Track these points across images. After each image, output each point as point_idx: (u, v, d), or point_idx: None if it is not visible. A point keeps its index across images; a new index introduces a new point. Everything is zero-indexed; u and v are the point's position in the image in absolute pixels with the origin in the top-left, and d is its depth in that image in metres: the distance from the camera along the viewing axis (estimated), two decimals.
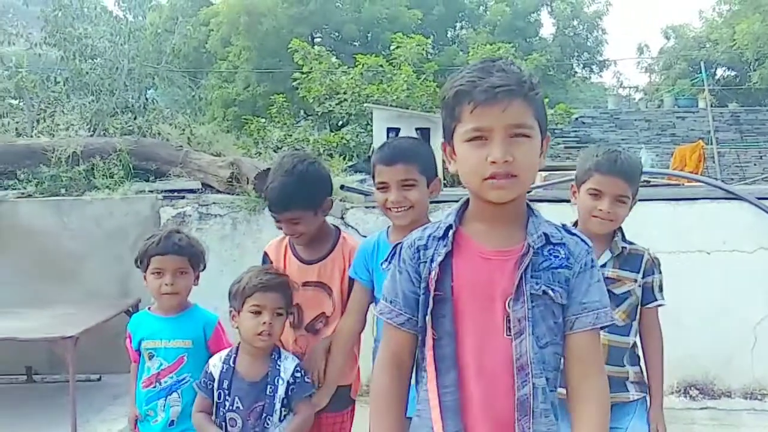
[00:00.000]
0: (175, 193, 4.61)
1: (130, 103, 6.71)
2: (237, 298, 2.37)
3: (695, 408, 4.33)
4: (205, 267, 2.76)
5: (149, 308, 2.79)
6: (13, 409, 4.16)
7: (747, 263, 4.36)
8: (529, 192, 5.29)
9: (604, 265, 2.34)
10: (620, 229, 2.43)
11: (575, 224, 2.39)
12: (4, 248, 4.70)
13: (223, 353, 2.43)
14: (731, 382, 4.43)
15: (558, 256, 1.55)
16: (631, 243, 2.44)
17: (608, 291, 2.26)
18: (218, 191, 4.63)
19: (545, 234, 1.56)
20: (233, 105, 19.81)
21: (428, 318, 1.55)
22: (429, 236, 1.61)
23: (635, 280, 2.39)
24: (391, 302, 1.63)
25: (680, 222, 4.38)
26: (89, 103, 6.35)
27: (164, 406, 2.62)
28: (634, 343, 2.46)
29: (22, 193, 4.72)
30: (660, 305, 2.44)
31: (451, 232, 1.57)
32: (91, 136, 5.56)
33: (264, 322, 2.29)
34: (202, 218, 4.54)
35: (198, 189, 4.68)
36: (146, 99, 7.29)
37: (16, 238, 4.70)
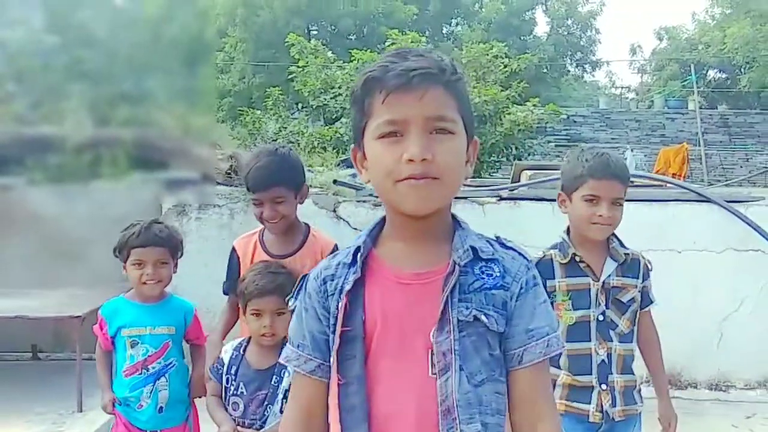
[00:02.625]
0: (177, 184, 4.84)
1: (127, 92, 6.85)
2: (241, 298, 2.38)
3: None
4: (182, 255, 2.74)
5: (125, 295, 2.74)
6: (20, 386, 4.37)
7: (715, 262, 4.61)
8: (512, 191, 5.56)
9: (609, 275, 2.32)
10: (614, 233, 2.37)
11: (567, 232, 2.39)
12: (13, 233, 4.91)
13: (236, 342, 2.43)
14: (697, 374, 4.69)
15: (491, 275, 1.29)
16: (626, 247, 2.39)
17: (616, 300, 2.32)
18: (218, 182, 4.85)
19: (473, 248, 1.29)
20: (228, 96, 19.98)
21: (333, 359, 1.29)
22: (337, 264, 1.34)
23: (636, 286, 2.36)
24: (298, 346, 1.36)
25: (653, 222, 4.61)
26: (88, 90, 6.48)
27: (151, 391, 2.61)
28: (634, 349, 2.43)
29: (31, 181, 4.93)
30: (653, 305, 2.43)
31: (359, 256, 1.31)
32: (96, 126, 5.74)
33: (265, 325, 2.29)
34: (202, 208, 4.77)
35: (198, 180, 4.90)
36: (144, 88, 7.44)
37: (24, 224, 4.90)
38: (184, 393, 2.70)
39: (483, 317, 1.27)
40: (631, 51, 30.28)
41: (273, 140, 10.55)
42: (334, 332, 1.30)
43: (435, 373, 1.26)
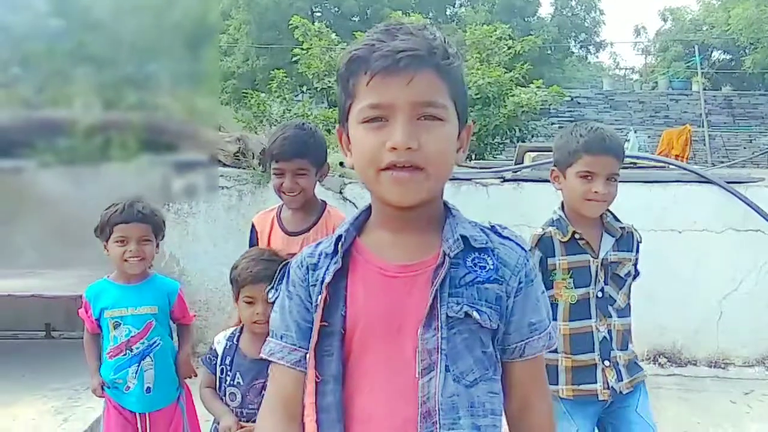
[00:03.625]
0: (186, 166, 4.92)
1: (132, 75, 6.90)
2: (233, 285, 2.34)
3: (663, 375, 4.65)
4: (164, 237, 2.71)
5: (108, 276, 2.70)
6: (34, 363, 4.48)
7: (715, 242, 4.68)
8: (516, 172, 5.61)
9: (607, 252, 2.31)
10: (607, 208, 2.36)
11: (562, 208, 2.37)
12: (25, 215, 5.00)
13: (228, 331, 2.40)
14: (697, 351, 4.78)
15: (485, 267, 1.21)
16: (618, 221, 2.38)
17: (614, 275, 2.32)
18: (225, 165, 4.92)
19: (463, 237, 1.20)
20: (232, 78, 19.99)
21: (309, 356, 1.21)
22: (320, 253, 1.26)
23: (631, 259, 2.36)
24: (281, 338, 1.27)
25: (654, 203, 4.67)
26: (92, 74, 6.54)
27: (137, 372, 2.60)
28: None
29: (42, 163, 5.01)
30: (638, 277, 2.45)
31: (340, 246, 1.23)
32: (104, 109, 5.81)
33: (258, 312, 2.26)
34: (210, 189, 4.85)
35: (207, 162, 4.98)
36: (148, 72, 7.49)
37: (36, 206, 4.99)
38: (172, 372, 2.69)
39: (475, 313, 1.18)
40: (636, 32, 30.20)
41: (278, 122, 10.60)
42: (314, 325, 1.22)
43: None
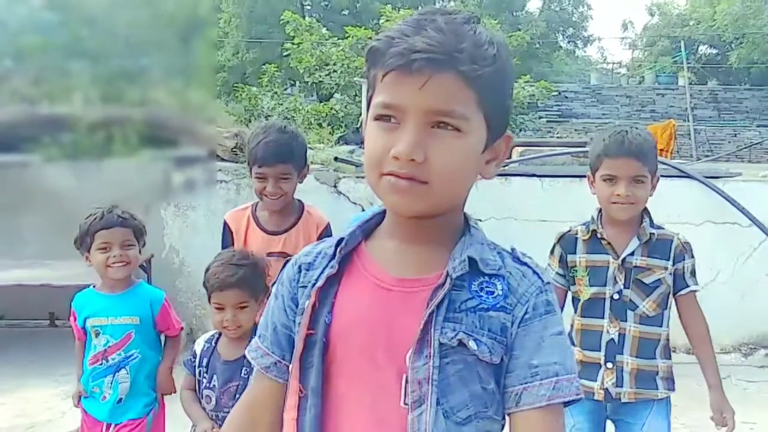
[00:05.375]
0: (185, 161, 5.08)
1: (127, 69, 6.99)
2: (205, 288, 2.29)
3: None
4: (145, 243, 2.65)
5: (94, 286, 2.67)
6: (41, 351, 4.63)
7: (694, 235, 4.79)
8: (505, 166, 5.78)
9: (632, 254, 2.24)
10: (647, 212, 2.28)
11: (599, 212, 2.32)
12: (30, 208, 5.14)
13: (209, 333, 2.36)
14: (676, 339, 4.76)
15: (492, 293, 1.06)
16: (659, 227, 2.28)
17: (637, 280, 2.22)
18: (224, 159, 5.08)
19: (471, 259, 1.06)
20: (222, 71, 20.05)
21: (293, 366, 1.10)
22: (318, 252, 1.16)
23: (665, 268, 2.24)
24: (260, 337, 1.19)
25: None
26: (87, 68, 6.62)
27: (111, 383, 2.57)
28: (668, 336, 2.32)
29: (46, 158, 5.15)
30: (694, 291, 2.29)
31: (340, 250, 1.12)
32: (101, 103, 5.94)
33: (227, 319, 2.22)
34: (209, 183, 5.01)
35: (205, 157, 5.14)
36: (143, 66, 7.58)
37: (41, 199, 5.12)
38: (147, 387, 2.64)
39: (471, 343, 1.02)
40: (623, 27, 30.49)
41: (269, 116, 10.71)
42: (299, 330, 1.10)
43: (407, 404, 1.03)
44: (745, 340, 5.02)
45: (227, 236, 2.63)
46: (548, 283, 1.09)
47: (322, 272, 1.11)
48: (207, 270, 2.28)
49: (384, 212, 1.15)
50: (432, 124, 1.01)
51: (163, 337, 2.73)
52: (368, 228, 1.15)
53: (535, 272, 1.09)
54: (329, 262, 1.12)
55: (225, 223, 2.65)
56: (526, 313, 1.05)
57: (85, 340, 2.63)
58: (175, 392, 2.60)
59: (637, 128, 2.30)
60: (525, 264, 1.10)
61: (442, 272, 1.05)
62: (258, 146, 2.49)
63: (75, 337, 2.67)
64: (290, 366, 1.11)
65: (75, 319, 2.62)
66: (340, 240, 1.12)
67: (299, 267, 1.15)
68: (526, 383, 1.04)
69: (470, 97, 1.01)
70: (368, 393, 1.06)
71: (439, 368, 1.02)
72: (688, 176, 4.87)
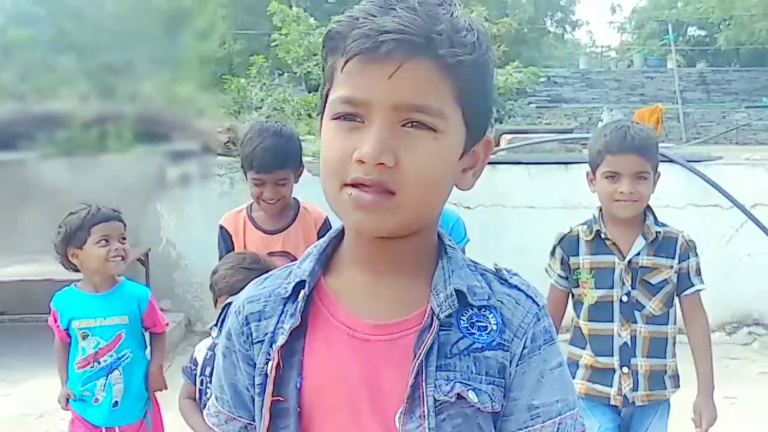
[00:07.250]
0: (179, 155, 5.17)
1: (114, 62, 6.99)
2: (212, 291, 2.27)
3: None
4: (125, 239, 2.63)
5: (75, 285, 2.62)
6: (44, 344, 4.67)
7: (677, 217, 4.93)
8: (493, 154, 5.85)
9: (638, 254, 2.20)
10: (650, 209, 2.24)
11: (600, 211, 2.28)
12: (28, 204, 5.21)
13: (209, 340, 2.26)
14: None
15: (485, 328, 0.92)
16: (664, 225, 2.25)
17: (644, 281, 2.19)
18: (217, 153, 5.17)
19: (457, 292, 0.92)
20: (209, 62, 19.99)
21: None
22: (269, 295, 0.97)
23: (671, 267, 2.21)
24: (217, 399, 1.02)
25: None
26: (74, 62, 6.63)
27: (104, 385, 2.51)
28: (675, 333, 2.29)
29: (42, 155, 5.22)
30: (699, 290, 2.28)
31: (302, 294, 0.94)
32: (89, 97, 5.97)
33: None
34: (204, 177, 5.10)
35: (199, 151, 5.23)
36: (130, 58, 7.58)
37: (38, 195, 5.20)
38: (141, 386, 2.61)
39: (471, 394, 0.90)
40: (612, 9, 30.53)
41: (258, 108, 10.73)
42: (260, 394, 0.94)
43: None
44: (728, 319, 5.18)
45: (226, 240, 2.59)
46: (543, 306, 0.97)
47: (278, 322, 0.94)
48: (214, 272, 2.23)
49: (342, 234, 0.98)
50: (403, 122, 0.86)
51: (147, 335, 2.69)
52: (325, 258, 0.98)
53: (528, 296, 0.96)
54: (284, 307, 0.95)
55: (221, 228, 2.61)
56: (524, 348, 0.93)
57: (69, 342, 2.57)
58: (167, 389, 2.60)
59: (637, 123, 2.28)
60: (515, 287, 0.96)
61: (424, 309, 0.92)
62: (254, 152, 2.43)
63: (55, 338, 2.59)
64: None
65: (56, 321, 2.56)
66: (300, 283, 0.95)
67: (246, 318, 0.97)
68: (527, 428, 0.93)
69: (447, 90, 0.87)
70: None
71: (437, 427, 0.89)
72: (671, 160, 4.98)
